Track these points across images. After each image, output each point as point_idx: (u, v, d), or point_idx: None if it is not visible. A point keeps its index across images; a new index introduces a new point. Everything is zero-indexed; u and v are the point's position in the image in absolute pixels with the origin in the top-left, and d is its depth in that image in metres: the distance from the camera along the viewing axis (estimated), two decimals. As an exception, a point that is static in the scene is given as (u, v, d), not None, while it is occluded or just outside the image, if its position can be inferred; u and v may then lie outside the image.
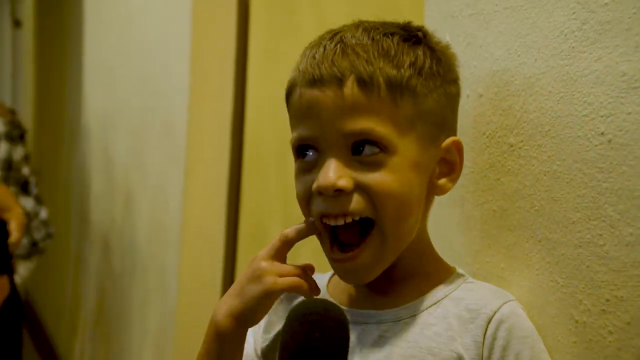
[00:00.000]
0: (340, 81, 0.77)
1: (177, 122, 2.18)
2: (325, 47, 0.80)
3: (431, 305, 0.82)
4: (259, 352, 0.90)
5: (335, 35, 0.81)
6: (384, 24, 0.82)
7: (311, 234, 0.82)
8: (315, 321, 0.69)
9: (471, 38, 0.94)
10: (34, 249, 2.52)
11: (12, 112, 2.63)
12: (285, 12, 1.92)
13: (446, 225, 0.90)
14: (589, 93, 0.77)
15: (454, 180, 0.83)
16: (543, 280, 0.83)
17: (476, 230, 0.94)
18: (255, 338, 0.91)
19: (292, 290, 0.81)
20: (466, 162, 0.89)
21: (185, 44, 2.14)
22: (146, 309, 2.41)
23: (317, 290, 0.83)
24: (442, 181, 0.83)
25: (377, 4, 1.47)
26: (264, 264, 0.81)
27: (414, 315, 0.82)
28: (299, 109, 0.81)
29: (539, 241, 0.84)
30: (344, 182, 0.77)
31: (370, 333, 0.82)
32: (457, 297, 0.82)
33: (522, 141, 0.86)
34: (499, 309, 0.79)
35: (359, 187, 0.78)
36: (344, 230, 0.80)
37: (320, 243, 0.83)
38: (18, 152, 2.50)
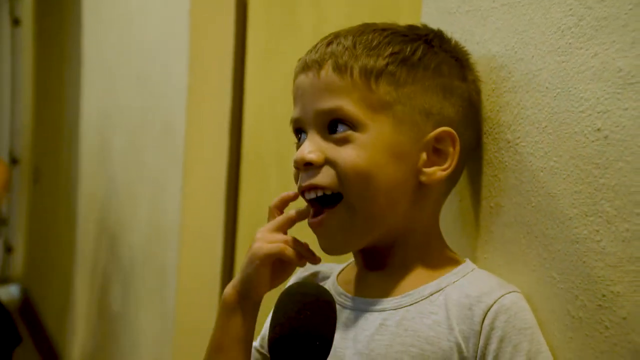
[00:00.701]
0: (319, 66, 0.84)
1: (176, 121, 2.19)
2: (319, 42, 0.87)
3: (433, 293, 0.83)
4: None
5: (333, 33, 0.87)
6: (388, 24, 0.87)
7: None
8: (307, 301, 0.72)
9: (468, 35, 0.94)
10: None
11: None
12: (284, 12, 1.92)
13: (444, 221, 0.91)
14: (585, 89, 0.77)
15: (445, 170, 0.84)
16: (540, 276, 0.83)
17: (473, 227, 0.94)
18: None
19: (276, 256, 0.85)
20: (463, 158, 0.89)
21: (184, 44, 2.14)
22: (145, 308, 2.41)
23: (304, 260, 0.87)
24: (431, 169, 0.84)
25: (376, 2, 1.47)
26: (258, 235, 0.87)
27: (415, 303, 0.83)
28: (293, 93, 0.88)
29: (536, 237, 0.84)
30: (313, 156, 0.82)
31: (373, 321, 0.84)
32: (461, 285, 0.83)
33: (519, 137, 0.86)
34: (499, 299, 0.80)
35: (329, 162, 0.82)
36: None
37: None
38: None
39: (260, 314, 0.89)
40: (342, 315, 0.86)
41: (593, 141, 0.77)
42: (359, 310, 0.85)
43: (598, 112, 0.76)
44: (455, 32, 0.96)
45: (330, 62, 0.83)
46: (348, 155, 0.81)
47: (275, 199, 0.91)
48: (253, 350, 0.93)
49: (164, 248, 2.27)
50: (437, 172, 0.84)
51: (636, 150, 0.72)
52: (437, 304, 0.82)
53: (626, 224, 0.73)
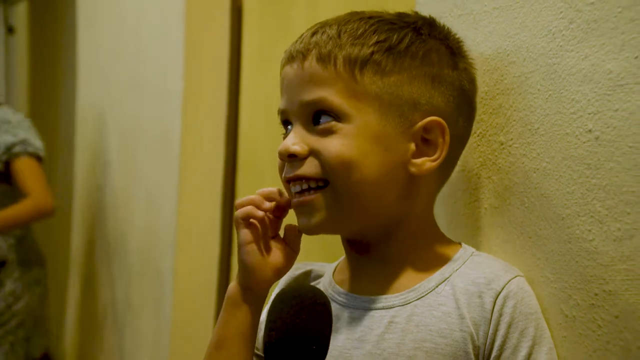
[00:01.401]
0: (303, 57, 0.84)
1: (172, 126, 2.19)
2: (305, 32, 0.86)
3: (439, 284, 0.83)
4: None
5: (318, 23, 0.87)
6: (374, 12, 0.86)
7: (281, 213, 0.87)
8: (303, 304, 0.71)
9: (461, 38, 0.95)
10: None
11: None
12: (279, 15, 1.93)
13: (438, 223, 0.91)
14: (576, 91, 0.78)
15: (435, 161, 0.83)
16: (533, 276, 0.84)
17: (468, 228, 0.95)
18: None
19: (248, 215, 0.84)
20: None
21: (179, 49, 2.14)
22: (142, 314, 2.41)
23: (273, 203, 0.85)
24: (420, 160, 0.83)
25: (370, 6, 1.48)
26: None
27: (422, 297, 0.83)
28: (280, 86, 0.88)
29: (530, 237, 0.85)
30: (297, 148, 0.83)
31: (380, 319, 0.83)
32: (465, 273, 0.83)
33: (512, 139, 0.87)
34: (506, 284, 0.80)
35: (313, 153, 0.82)
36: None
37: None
38: None
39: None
40: (344, 314, 0.85)
41: (584, 142, 0.78)
42: (362, 309, 0.84)
43: (589, 114, 0.77)
44: (447, 35, 0.96)
45: (314, 52, 0.83)
46: (332, 145, 0.81)
47: (241, 210, 0.86)
48: None
49: (160, 253, 2.28)
50: (427, 162, 0.83)
51: (627, 151, 0.73)
52: (445, 294, 0.82)
53: (618, 224, 0.74)
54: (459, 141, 0.88)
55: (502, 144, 0.89)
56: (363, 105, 0.82)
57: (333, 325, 0.74)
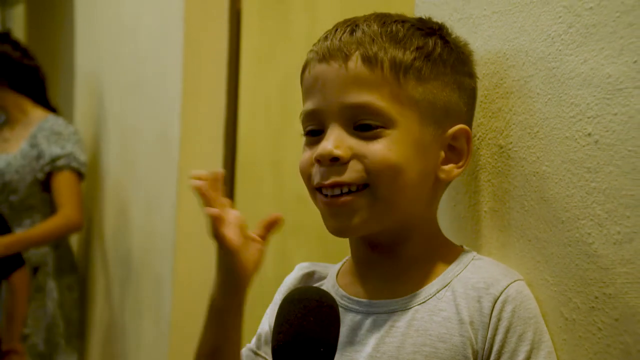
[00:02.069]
0: (346, 56, 0.81)
1: (171, 128, 2.19)
2: (337, 29, 0.84)
3: (440, 290, 0.83)
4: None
5: (349, 20, 0.85)
6: (401, 16, 0.86)
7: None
8: (310, 307, 0.71)
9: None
10: None
11: None
12: (278, 18, 1.93)
13: (439, 226, 0.92)
14: (575, 95, 0.79)
15: (460, 168, 0.85)
16: (533, 279, 0.84)
17: (468, 231, 0.95)
18: (267, 341, 0.92)
19: (210, 228, 0.82)
20: (457, 164, 0.91)
21: (178, 51, 2.14)
22: (141, 318, 2.41)
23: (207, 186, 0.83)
24: (449, 167, 0.84)
25: (370, 8, 1.48)
26: None
27: (423, 302, 0.83)
28: (307, 83, 0.84)
29: (529, 241, 0.85)
30: (340, 152, 0.80)
31: (382, 323, 0.83)
32: (465, 277, 0.83)
33: (511, 143, 0.88)
34: (505, 289, 0.80)
35: (356, 157, 0.81)
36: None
37: (314, 203, 0.85)
38: None
39: (251, 315, 0.89)
40: (347, 318, 0.85)
41: (584, 146, 0.78)
42: (365, 313, 0.85)
43: (588, 117, 0.77)
44: (447, 39, 0.97)
45: (358, 52, 0.81)
46: (379, 150, 0.80)
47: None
48: (248, 352, 0.92)
49: (159, 255, 2.28)
50: (454, 169, 0.85)
51: (626, 154, 0.74)
52: (445, 300, 0.82)
53: (617, 227, 0.74)
54: None
55: (501, 148, 0.89)
56: (406, 111, 0.81)
57: None
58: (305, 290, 0.74)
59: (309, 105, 0.84)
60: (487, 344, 0.79)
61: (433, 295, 0.83)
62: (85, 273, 2.90)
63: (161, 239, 2.26)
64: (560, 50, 0.80)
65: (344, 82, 0.81)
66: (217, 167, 2.15)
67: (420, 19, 0.87)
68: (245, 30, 2.09)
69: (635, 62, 0.72)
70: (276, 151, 1.92)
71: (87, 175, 2.61)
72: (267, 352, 0.93)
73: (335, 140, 0.81)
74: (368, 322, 0.84)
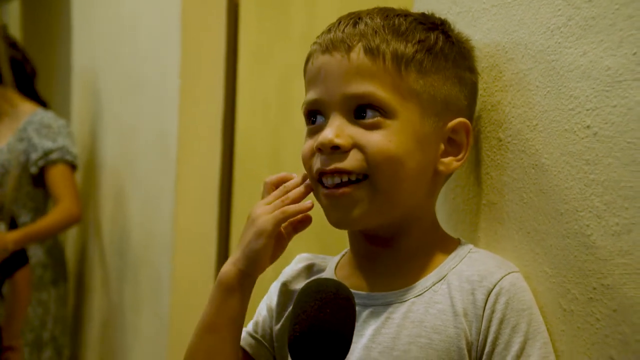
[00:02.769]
0: (348, 47, 0.82)
1: (169, 126, 2.19)
2: (341, 22, 0.85)
3: (436, 283, 0.84)
4: (273, 336, 0.93)
5: (353, 13, 0.86)
6: (404, 10, 0.87)
7: (308, 193, 0.88)
8: (327, 299, 0.71)
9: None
10: None
11: None
12: (276, 15, 1.93)
13: (438, 218, 0.92)
14: (575, 87, 0.79)
15: (459, 161, 0.86)
16: (532, 271, 0.85)
17: (466, 224, 0.96)
18: (264, 328, 0.94)
19: (283, 220, 0.86)
20: (456, 157, 0.91)
21: (176, 48, 2.15)
22: (139, 313, 2.41)
23: (307, 210, 0.87)
24: (448, 159, 0.85)
25: (368, 4, 1.49)
26: (257, 210, 0.87)
27: (419, 295, 0.84)
28: (310, 74, 0.86)
29: (528, 233, 0.86)
30: (341, 140, 0.81)
31: (378, 315, 0.84)
32: (461, 270, 0.84)
33: (510, 135, 0.88)
34: (498, 281, 0.81)
35: (356, 147, 0.82)
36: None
37: (316, 197, 0.87)
38: None
39: (250, 308, 0.89)
40: None
41: (583, 138, 0.78)
42: (363, 305, 0.85)
43: (587, 110, 0.78)
44: (446, 33, 0.97)
45: (361, 44, 0.82)
46: (379, 140, 0.81)
47: (273, 176, 0.90)
48: (246, 335, 0.94)
49: (157, 253, 2.28)
50: (453, 162, 0.86)
51: (625, 147, 0.74)
52: (441, 292, 0.83)
53: (616, 219, 0.75)
54: None
55: (500, 140, 0.89)
56: (407, 103, 0.82)
57: None
58: (322, 282, 0.74)
59: (312, 95, 0.85)
60: (481, 335, 0.80)
61: (429, 288, 0.84)
62: (83, 269, 2.90)
63: (160, 236, 2.26)
64: (559, 42, 0.81)
65: (346, 73, 0.82)
66: (215, 165, 2.15)
67: (423, 14, 0.88)
68: (243, 27, 2.10)
69: (634, 54, 0.73)
70: (274, 148, 1.92)
71: (85, 172, 2.61)
72: (264, 338, 0.94)
73: (337, 129, 0.82)
74: (365, 313, 0.85)
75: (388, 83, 0.81)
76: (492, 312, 0.80)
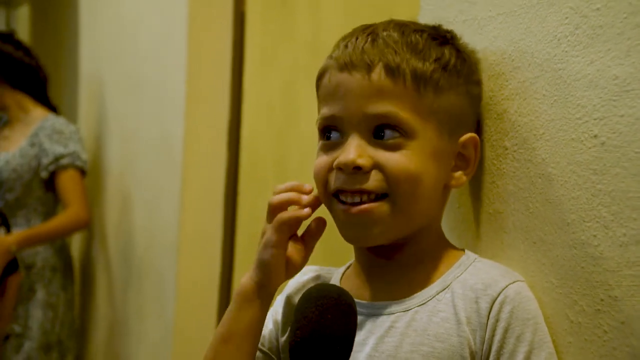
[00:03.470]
0: (369, 67, 0.82)
1: (174, 129, 2.19)
2: (357, 37, 0.85)
3: (440, 292, 0.84)
4: (280, 348, 0.93)
5: (368, 28, 0.86)
6: (415, 23, 0.88)
7: (316, 208, 0.86)
8: (329, 304, 0.72)
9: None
10: None
11: None
12: (282, 19, 1.93)
13: (443, 228, 0.91)
14: (582, 96, 0.78)
15: (468, 175, 0.87)
16: (538, 282, 0.84)
17: (472, 233, 0.95)
18: (271, 340, 0.94)
19: (280, 229, 0.84)
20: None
21: (182, 52, 2.15)
22: (144, 317, 2.41)
23: (313, 204, 0.86)
24: (458, 174, 0.87)
25: (374, 10, 1.48)
26: (267, 232, 0.86)
27: (423, 304, 0.84)
28: (327, 90, 0.85)
29: (534, 243, 0.85)
30: (363, 161, 0.81)
31: (381, 324, 0.85)
32: (465, 279, 0.84)
33: (516, 144, 0.87)
34: (503, 290, 0.81)
35: (377, 167, 0.82)
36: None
37: (330, 212, 0.86)
38: None
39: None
40: None
41: (590, 147, 0.78)
42: (366, 315, 0.85)
43: (595, 119, 0.77)
44: (452, 40, 0.96)
45: (381, 63, 0.82)
46: (400, 160, 0.81)
47: (278, 197, 0.87)
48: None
49: (162, 257, 2.28)
50: (462, 176, 0.87)
51: (633, 156, 0.73)
52: (444, 301, 0.83)
53: (623, 229, 0.74)
54: None
55: (506, 149, 0.89)
56: (425, 122, 0.83)
57: None
58: (323, 288, 0.74)
59: (329, 111, 0.85)
60: (485, 344, 0.80)
61: (433, 297, 0.84)
62: (88, 274, 2.90)
63: (164, 239, 2.26)
64: (566, 51, 0.80)
65: (367, 93, 0.82)
66: (220, 169, 2.15)
67: (433, 27, 0.88)
68: (249, 31, 2.09)
69: (642, 63, 0.72)
70: (279, 152, 1.92)
71: (90, 175, 2.62)
72: (271, 350, 0.94)
73: (358, 149, 0.82)
74: (369, 323, 0.85)
75: (408, 103, 0.82)
76: (497, 320, 0.80)
